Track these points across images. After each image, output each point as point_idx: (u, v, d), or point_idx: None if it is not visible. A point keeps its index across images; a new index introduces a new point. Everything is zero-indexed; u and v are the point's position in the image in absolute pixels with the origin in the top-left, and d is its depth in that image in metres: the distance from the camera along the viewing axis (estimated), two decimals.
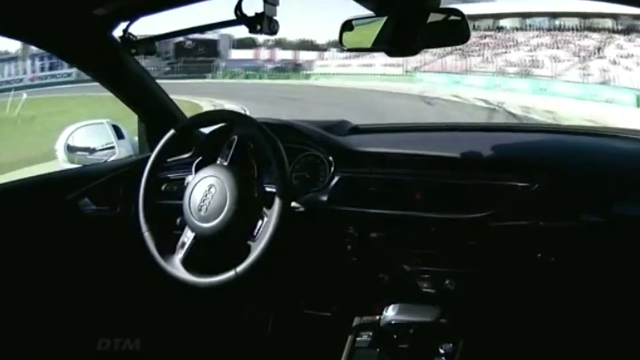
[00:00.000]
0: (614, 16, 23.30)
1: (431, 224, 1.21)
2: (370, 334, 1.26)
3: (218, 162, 1.13)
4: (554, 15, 25.61)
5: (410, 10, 1.06)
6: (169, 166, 1.36)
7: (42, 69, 29.71)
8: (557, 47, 24.05)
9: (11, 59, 30.27)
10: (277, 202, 1.05)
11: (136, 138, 1.59)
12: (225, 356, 1.45)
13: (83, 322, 1.33)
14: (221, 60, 34.47)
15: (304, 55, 35.76)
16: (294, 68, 33.40)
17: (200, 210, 1.09)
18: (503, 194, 1.17)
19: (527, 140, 1.39)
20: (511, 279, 1.24)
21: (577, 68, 21.18)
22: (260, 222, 1.07)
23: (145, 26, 1.25)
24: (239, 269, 1.03)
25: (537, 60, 23.22)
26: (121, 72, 1.36)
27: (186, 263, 1.09)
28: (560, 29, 25.53)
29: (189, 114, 1.44)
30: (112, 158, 1.54)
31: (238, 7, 1.02)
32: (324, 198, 1.28)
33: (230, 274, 1.04)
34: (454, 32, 1.06)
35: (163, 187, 1.37)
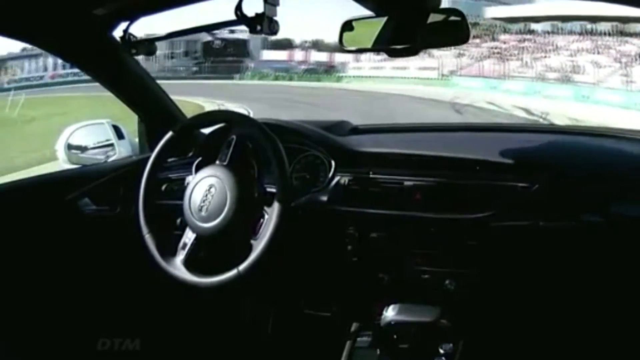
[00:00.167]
0: None
1: (431, 224, 1.21)
2: (370, 334, 1.26)
3: (217, 162, 1.13)
4: (592, 19, 24.75)
5: (411, 11, 1.06)
6: (169, 166, 1.36)
7: (64, 67, 28.45)
8: (598, 53, 23.12)
9: (32, 55, 29.43)
10: (277, 201, 1.05)
11: (136, 138, 1.59)
12: (225, 356, 1.45)
13: (83, 322, 1.33)
14: (251, 60, 33.71)
15: (340, 57, 34.46)
16: (327, 70, 32.52)
17: (200, 210, 1.10)
18: (503, 194, 1.17)
19: (527, 140, 1.39)
20: (511, 279, 1.24)
21: (618, 74, 20.21)
22: (261, 221, 1.07)
23: (146, 26, 1.25)
24: (242, 267, 1.03)
25: (578, 65, 22.25)
26: (121, 72, 1.36)
27: (188, 264, 1.09)
28: (599, 33, 24.67)
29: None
30: (112, 158, 1.55)
31: (238, 8, 1.02)
32: (324, 198, 1.28)
33: (233, 272, 1.04)
34: (454, 32, 1.06)
35: (163, 187, 1.38)
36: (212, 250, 1.14)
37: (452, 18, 1.05)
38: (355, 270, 1.31)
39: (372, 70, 28.89)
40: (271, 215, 1.05)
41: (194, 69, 31.70)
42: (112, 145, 1.56)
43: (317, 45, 36.87)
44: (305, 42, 36.91)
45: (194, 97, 15.14)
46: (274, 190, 1.08)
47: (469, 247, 1.20)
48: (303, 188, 1.30)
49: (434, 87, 21.59)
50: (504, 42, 27.30)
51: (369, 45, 1.13)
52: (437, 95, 17.81)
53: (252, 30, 1.03)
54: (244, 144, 1.15)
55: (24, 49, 29.18)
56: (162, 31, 1.27)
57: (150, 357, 1.40)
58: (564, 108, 14.20)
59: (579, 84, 20.24)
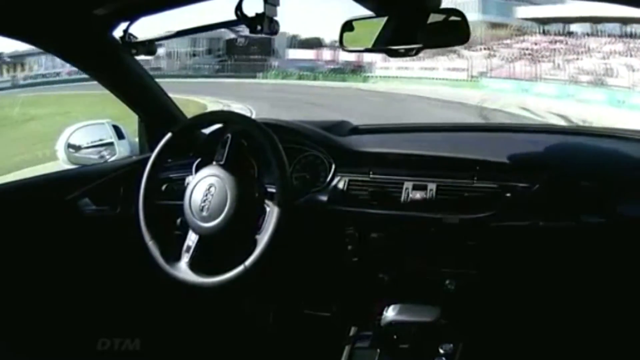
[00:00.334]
0: None
1: (431, 224, 1.21)
2: (370, 334, 1.26)
3: (215, 161, 1.14)
4: (624, 21, 23.79)
5: (411, 11, 1.06)
6: (169, 166, 1.36)
7: None
8: (631, 55, 22.21)
9: None
10: (277, 196, 1.06)
11: (136, 138, 1.59)
12: (225, 356, 1.45)
13: (83, 322, 1.33)
14: (276, 59, 32.61)
15: (368, 57, 32.24)
16: (353, 70, 31.13)
17: (202, 210, 1.10)
18: (503, 194, 1.17)
19: (527, 140, 1.39)
20: (511, 279, 1.24)
21: None
22: (263, 216, 1.08)
23: (146, 26, 1.25)
24: (248, 262, 1.04)
25: (611, 68, 21.32)
26: (121, 72, 1.36)
27: (193, 266, 1.10)
28: (631, 35, 23.71)
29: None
30: (112, 158, 1.55)
31: (238, 8, 1.02)
32: (324, 198, 1.28)
33: (240, 269, 1.04)
34: (454, 32, 1.06)
35: (163, 187, 1.38)
36: (215, 250, 1.14)
37: (452, 18, 1.05)
38: (355, 270, 1.31)
39: (399, 71, 27.72)
40: (272, 211, 1.06)
41: (217, 67, 30.99)
42: (112, 145, 1.56)
43: None
44: (335, 41, 35.76)
45: (201, 97, 14.98)
46: (274, 190, 1.08)
47: (469, 247, 1.20)
48: (303, 188, 1.30)
49: (462, 89, 20.58)
50: (535, 43, 26.48)
51: (369, 46, 1.13)
52: (464, 97, 16.55)
53: (252, 31, 1.03)
54: (239, 143, 1.15)
55: None
56: (162, 31, 1.27)
57: (150, 357, 1.40)
58: (600, 114, 12.75)
59: (613, 88, 19.40)
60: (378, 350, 1.23)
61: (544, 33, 26.86)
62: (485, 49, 25.59)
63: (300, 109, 13.76)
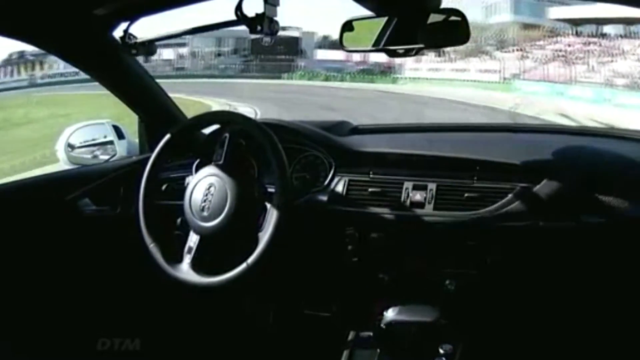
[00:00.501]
0: None
1: (431, 224, 1.21)
2: (370, 334, 1.26)
3: (214, 161, 1.14)
4: None
5: (411, 11, 1.07)
6: (169, 166, 1.36)
7: None
8: None
9: None
10: (277, 196, 1.06)
11: (136, 138, 1.59)
12: (225, 356, 1.46)
13: (83, 322, 1.33)
14: (303, 59, 31.52)
15: (398, 59, 33.01)
16: (383, 71, 29.62)
17: (202, 210, 1.10)
18: (503, 194, 1.17)
19: (528, 140, 1.39)
20: (511, 279, 1.24)
21: None
22: (263, 214, 1.08)
23: (146, 26, 1.25)
24: (250, 260, 1.04)
25: None
26: (121, 72, 1.36)
27: (195, 267, 1.10)
28: None
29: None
30: (113, 158, 1.55)
31: (238, 8, 1.02)
32: (324, 198, 1.28)
33: (242, 267, 1.04)
34: (455, 32, 1.06)
35: (164, 187, 1.38)
36: (216, 250, 1.14)
37: (452, 18, 1.05)
38: (355, 270, 1.31)
39: (430, 72, 26.44)
40: (272, 211, 1.06)
41: (242, 67, 30.19)
42: (112, 145, 1.56)
43: None
44: None
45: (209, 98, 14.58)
46: (274, 190, 1.08)
47: (469, 247, 1.20)
48: (303, 188, 1.30)
49: (493, 92, 19.29)
50: (569, 45, 25.33)
51: (369, 46, 1.13)
52: (494, 101, 14.88)
53: (252, 31, 1.03)
54: (238, 142, 1.15)
55: None
56: (162, 31, 1.27)
57: (150, 357, 1.41)
58: None
59: None
60: (378, 350, 1.23)
61: (577, 34, 25.78)
62: (517, 50, 24.66)
63: (308, 111, 12.98)
